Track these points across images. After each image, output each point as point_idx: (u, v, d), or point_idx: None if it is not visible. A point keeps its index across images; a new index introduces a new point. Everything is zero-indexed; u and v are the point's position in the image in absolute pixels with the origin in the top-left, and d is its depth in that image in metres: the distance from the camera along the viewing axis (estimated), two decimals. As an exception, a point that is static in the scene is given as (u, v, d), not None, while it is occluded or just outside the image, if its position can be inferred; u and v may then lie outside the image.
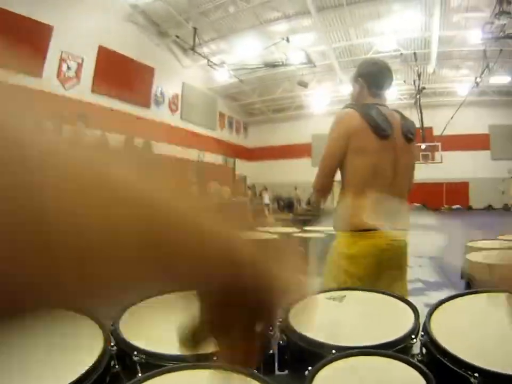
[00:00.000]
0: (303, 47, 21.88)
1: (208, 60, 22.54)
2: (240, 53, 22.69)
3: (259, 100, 30.57)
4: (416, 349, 1.75)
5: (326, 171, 2.66)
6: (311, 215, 15.82)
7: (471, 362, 1.43)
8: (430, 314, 1.86)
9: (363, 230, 2.53)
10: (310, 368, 1.50)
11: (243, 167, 31.46)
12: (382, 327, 1.92)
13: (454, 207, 28.57)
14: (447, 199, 28.82)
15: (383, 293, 2.32)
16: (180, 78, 25.10)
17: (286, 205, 25.92)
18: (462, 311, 1.97)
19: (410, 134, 2.75)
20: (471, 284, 3.49)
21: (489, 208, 28.43)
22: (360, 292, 2.40)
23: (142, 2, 19.58)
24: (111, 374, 1.58)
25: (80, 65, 18.68)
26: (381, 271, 2.59)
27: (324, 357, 1.58)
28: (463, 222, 19.60)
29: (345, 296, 2.29)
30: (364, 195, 2.53)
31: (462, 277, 3.75)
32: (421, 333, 1.76)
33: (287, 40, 20.61)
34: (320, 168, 2.69)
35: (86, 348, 1.58)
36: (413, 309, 2.01)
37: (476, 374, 1.38)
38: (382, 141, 2.55)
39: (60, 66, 17.85)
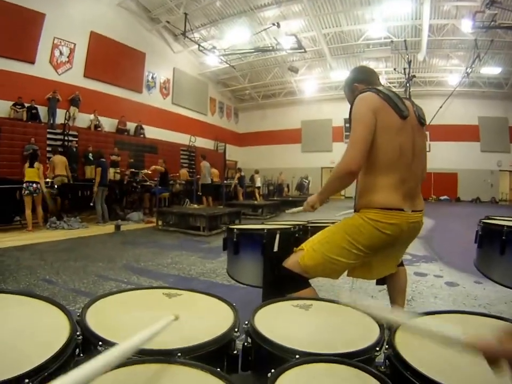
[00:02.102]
0: (294, 32, 21.83)
1: (199, 45, 22.41)
2: (231, 39, 22.74)
3: (250, 86, 30.62)
4: (379, 361, 1.79)
5: (364, 149, 2.50)
6: (302, 200, 16.00)
7: (433, 378, 1.45)
8: (395, 329, 1.91)
9: (386, 208, 2.52)
10: (273, 370, 1.52)
11: (233, 152, 31.79)
12: (347, 336, 1.93)
13: (442, 198, 28.63)
14: (435, 189, 28.72)
15: (349, 306, 2.24)
16: (171, 63, 25.25)
17: (275, 190, 26.05)
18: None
19: (423, 118, 2.80)
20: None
21: (477, 200, 28.45)
22: (327, 302, 2.42)
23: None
24: (76, 361, 1.59)
25: (72, 51, 18.84)
26: (392, 247, 2.68)
27: (287, 361, 1.60)
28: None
29: (311, 305, 2.34)
30: (388, 174, 2.55)
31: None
32: (385, 345, 1.80)
33: (278, 25, 20.45)
34: (357, 148, 2.50)
35: (52, 335, 1.60)
36: (378, 324, 2.04)
37: None
38: (402, 121, 2.57)
39: (52, 52, 18.00)
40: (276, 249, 3.47)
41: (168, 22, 22.38)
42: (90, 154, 17.02)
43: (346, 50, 24.62)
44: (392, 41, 21.50)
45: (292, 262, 2.77)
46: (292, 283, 2.67)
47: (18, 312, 1.83)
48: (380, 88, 2.68)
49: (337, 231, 2.70)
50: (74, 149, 17.28)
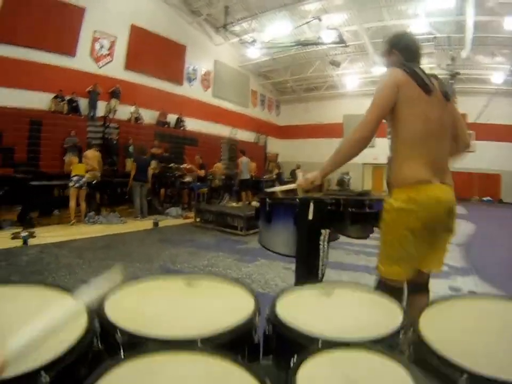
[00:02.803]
0: (336, 26, 21.36)
1: (240, 38, 22.39)
2: (272, 32, 22.31)
3: (291, 79, 30.05)
4: (403, 347, 1.73)
5: (379, 115, 2.62)
6: (343, 195, 15.70)
7: (459, 363, 1.43)
8: (419, 313, 1.89)
9: (417, 183, 2.55)
10: (295, 357, 1.49)
11: (274, 145, 31.57)
12: (370, 322, 1.91)
13: (485, 199, 27.54)
14: (478, 190, 27.65)
15: (372, 291, 2.38)
16: (212, 56, 24.98)
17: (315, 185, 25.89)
18: (454, 313, 1.99)
19: (448, 93, 2.77)
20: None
21: (521, 203, 27.20)
22: (351, 287, 2.42)
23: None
24: (94, 352, 1.59)
25: (113, 44, 18.91)
26: (436, 226, 2.62)
27: (310, 348, 1.57)
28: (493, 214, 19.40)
29: (333, 290, 2.30)
30: (416, 148, 2.58)
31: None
32: (409, 330, 1.76)
33: (319, 19, 20.23)
34: (373, 113, 2.62)
35: (69, 326, 1.52)
36: (401, 308, 2.03)
37: (464, 376, 1.38)
38: (427, 96, 2.60)
39: (93, 45, 18.11)
40: (310, 217, 3.44)
41: (208, 14, 22.30)
42: (130, 147, 17.05)
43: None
44: (435, 37, 20.94)
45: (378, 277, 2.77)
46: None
47: (35, 303, 1.80)
48: (408, 64, 2.71)
49: (386, 229, 2.71)
50: (115, 142, 17.38)
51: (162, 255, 7.67)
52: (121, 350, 1.57)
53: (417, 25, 20.46)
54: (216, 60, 25.43)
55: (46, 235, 9.35)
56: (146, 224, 11.39)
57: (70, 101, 16.89)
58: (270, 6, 20.96)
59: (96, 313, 1.76)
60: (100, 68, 18.43)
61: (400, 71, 2.63)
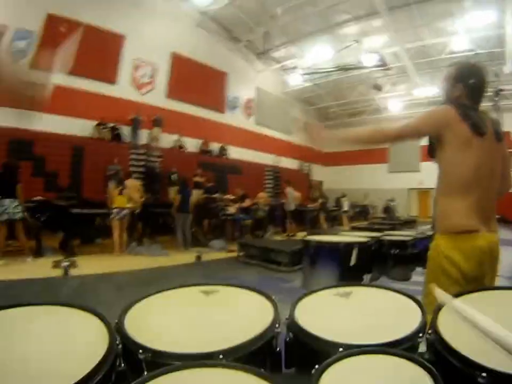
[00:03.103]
0: (376, 49, 21.31)
1: (281, 64, 22.44)
2: (313, 57, 22.30)
3: (334, 104, 29.91)
4: (423, 347, 1.71)
5: (402, 138, 2.66)
6: (388, 224, 15.38)
7: (478, 361, 1.40)
8: (437, 312, 1.83)
9: (463, 232, 2.46)
10: (316, 366, 1.46)
11: (319, 172, 31.36)
12: (389, 324, 1.87)
13: None
14: None
15: (390, 290, 2.31)
16: (253, 82, 24.99)
17: (360, 212, 25.50)
18: (473, 308, 1.82)
19: (500, 133, 2.66)
20: None
21: None
22: (366, 288, 2.48)
23: (212, 9, 19.75)
24: (117, 372, 1.52)
25: (154, 72, 19.19)
26: (479, 274, 2.50)
27: (331, 355, 1.55)
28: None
29: (351, 292, 2.29)
30: (464, 194, 2.48)
31: None
32: (428, 331, 1.73)
33: (359, 42, 20.26)
34: (396, 133, 2.63)
35: (91, 346, 1.54)
36: (419, 306, 2.00)
37: (484, 374, 1.36)
38: (479, 139, 2.47)
39: (133, 73, 18.46)
40: (353, 262, 3.44)
41: (248, 41, 22.36)
42: (173, 175, 16.95)
43: (430, 65, 23.40)
44: (476, 54, 20.38)
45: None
46: None
47: (55, 324, 1.78)
48: (464, 103, 2.62)
49: (430, 273, 2.68)
50: (157, 170, 17.42)
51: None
52: (145, 369, 1.54)
53: (457, 42, 20.22)
54: (258, 87, 25.41)
55: (87, 265, 9.33)
56: (189, 257, 11.11)
57: (113, 129, 17.11)
58: (308, 30, 20.85)
59: (117, 331, 1.72)
60: (142, 95, 18.67)
61: (453, 111, 2.51)
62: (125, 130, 17.64)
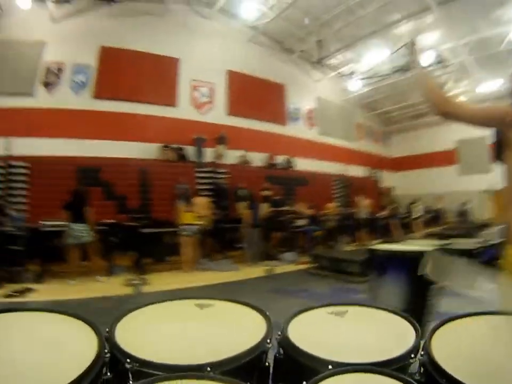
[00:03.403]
0: (432, 46, 20.44)
1: (338, 71, 22.27)
2: (369, 61, 22.05)
3: (396, 107, 28.93)
4: (414, 368, 1.73)
5: (470, 118, 2.40)
6: (462, 229, 14.95)
7: None
8: (432, 333, 1.88)
9: None
10: (304, 383, 1.50)
11: (388, 179, 30.34)
12: (382, 344, 1.90)
13: None
14: None
15: (386, 310, 2.35)
16: (312, 92, 24.70)
17: (434, 217, 24.66)
18: (467, 332, 1.96)
19: None
20: None
21: None
22: (363, 307, 2.44)
23: (260, 23, 19.90)
24: (102, 381, 1.59)
25: (212, 91, 19.52)
26: None
27: (320, 372, 1.57)
28: None
29: (347, 311, 2.33)
30: None
31: None
32: (421, 352, 1.75)
33: (413, 41, 19.33)
34: (472, 114, 2.39)
35: (79, 354, 1.60)
36: (414, 328, 2.02)
37: None
38: None
39: (192, 94, 18.89)
40: (426, 271, 3.32)
41: (302, 51, 22.24)
42: (240, 190, 16.90)
43: (490, 58, 21.88)
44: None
45: None
46: None
47: (47, 330, 1.85)
48: None
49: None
50: (225, 186, 17.53)
51: (275, 308, 7.27)
52: (130, 378, 1.60)
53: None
54: (318, 96, 25.05)
55: (159, 282, 9.67)
56: (259, 271, 11.22)
57: (177, 149, 17.48)
58: (361, 34, 20.45)
59: (107, 340, 1.78)
60: (203, 115, 19.02)
61: None
62: (190, 150, 17.97)
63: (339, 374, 1.55)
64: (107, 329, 1.89)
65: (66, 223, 9.90)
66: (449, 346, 1.74)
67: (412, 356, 1.74)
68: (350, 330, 2.13)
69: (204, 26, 19.22)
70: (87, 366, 1.49)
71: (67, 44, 16.52)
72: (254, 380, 1.78)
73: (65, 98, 16.46)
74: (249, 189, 15.75)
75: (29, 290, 9.09)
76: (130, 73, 17.14)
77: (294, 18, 19.49)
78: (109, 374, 1.65)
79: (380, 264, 3.74)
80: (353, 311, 2.35)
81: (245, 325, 2.12)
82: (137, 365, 1.61)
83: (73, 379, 1.38)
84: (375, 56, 21.43)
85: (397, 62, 21.27)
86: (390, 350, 1.76)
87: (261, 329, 1.98)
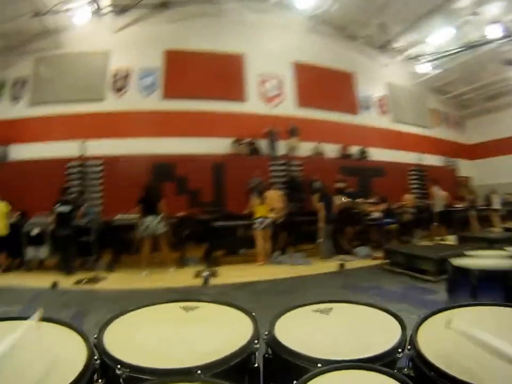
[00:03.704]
0: (497, 17, 18.86)
1: (405, 54, 21.49)
2: (434, 40, 20.99)
3: (469, 89, 26.48)
4: (403, 362, 1.75)
5: None
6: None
7: (457, 376, 1.44)
8: (417, 327, 1.91)
9: None
10: (295, 382, 1.50)
11: (466, 167, 27.86)
12: (368, 340, 1.91)
13: None
14: None
15: (371, 306, 2.38)
16: (382, 78, 23.77)
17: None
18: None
19: None
20: None
21: None
22: (348, 304, 2.47)
23: (319, 12, 19.65)
24: None
25: (280, 84, 19.56)
26: None
27: (310, 370, 1.58)
28: None
29: (331, 308, 2.35)
30: None
31: None
32: (407, 346, 1.78)
33: (475, 14, 18.49)
34: None
35: (69, 361, 1.61)
36: (400, 322, 2.06)
37: None
38: None
39: (260, 88, 19.08)
40: None
41: (365, 36, 21.57)
42: (314, 183, 16.67)
43: None
44: None
45: None
46: None
47: (34, 340, 1.82)
48: None
49: None
50: (298, 179, 17.48)
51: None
52: None
53: None
54: (388, 82, 24.05)
55: (229, 274, 9.80)
56: (331, 265, 10.93)
57: (250, 144, 17.71)
58: (422, 12, 19.19)
59: (96, 346, 1.81)
60: (273, 108, 19.12)
61: None
62: (262, 144, 18.17)
63: (329, 371, 1.56)
64: (95, 336, 1.90)
65: (139, 216, 10.43)
66: (435, 339, 1.76)
67: (399, 350, 1.77)
68: (337, 327, 2.14)
69: (262, 21, 19.39)
70: (77, 374, 1.50)
71: (131, 50, 17.88)
72: (244, 381, 1.80)
73: (135, 100, 17.61)
74: (322, 181, 15.55)
75: (99, 278, 9.82)
76: (197, 73, 17.71)
77: (353, 2, 19.05)
78: (100, 380, 1.67)
79: (472, 286, 3.34)
80: (338, 308, 2.39)
81: (231, 327, 2.13)
82: (128, 370, 1.62)
83: None
84: (440, 35, 20.45)
85: (464, 38, 20.34)
86: (377, 345, 1.79)
87: (247, 330, 2.00)
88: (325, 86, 20.36)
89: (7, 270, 10.98)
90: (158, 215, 10.48)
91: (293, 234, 12.98)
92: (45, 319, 2.01)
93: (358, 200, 14.76)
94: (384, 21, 20.00)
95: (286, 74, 19.73)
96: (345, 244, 13.22)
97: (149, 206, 10.49)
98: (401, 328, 1.97)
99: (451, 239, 13.71)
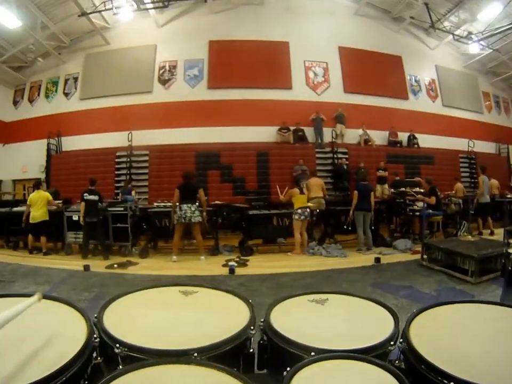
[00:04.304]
0: None
1: (453, 35, 20.28)
2: (483, 17, 19.60)
3: None
4: (394, 355, 1.79)
5: None
6: None
7: (446, 370, 1.47)
8: (410, 321, 1.93)
9: None
10: (288, 369, 1.53)
11: None
12: (362, 331, 1.96)
13: None
14: None
15: (366, 299, 2.41)
16: (431, 61, 22.66)
17: None
18: (443, 319, 2.03)
19: None
20: None
21: None
22: (343, 295, 2.50)
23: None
24: (93, 365, 1.67)
25: (326, 70, 19.40)
26: None
27: (303, 358, 1.63)
28: None
29: (327, 299, 2.37)
30: None
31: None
32: (399, 339, 1.81)
33: None
34: None
35: (70, 339, 1.67)
36: (393, 315, 2.09)
37: (451, 383, 1.43)
38: None
39: (306, 75, 19.01)
40: None
41: (412, 17, 20.50)
42: (361, 170, 15.98)
43: None
44: None
45: None
46: None
47: (36, 316, 1.87)
48: None
49: None
50: (345, 166, 17.30)
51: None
52: (120, 363, 1.65)
53: None
54: (437, 65, 22.90)
55: (259, 265, 9.65)
56: (367, 258, 10.17)
57: (295, 131, 17.73)
58: None
59: (96, 326, 1.87)
60: (319, 95, 19.06)
61: None
62: (309, 131, 18.08)
63: (321, 360, 1.59)
64: (95, 315, 1.96)
65: (176, 203, 10.38)
66: (427, 333, 1.80)
67: (391, 343, 1.79)
68: (331, 317, 2.18)
69: (306, 7, 19.27)
70: (77, 350, 1.56)
71: (176, 43, 18.48)
72: (239, 365, 1.83)
73: (181, 91, 18.11)
74: (369, 169, 15.51)
75: (130, 263, 10.09)
76: (242, 62, 17.97)
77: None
78: (99, 358, 1.71)
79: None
80: (334, 299, 2.41)
81: (229, 312, 2.18)
82: (126, 350, 1.67)
83: (64, 363, 1.45)
84: (489, 12, 19.13)
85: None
86: (370, 337, 1.82)
87: (244, 316, 2.04)
88: (371, 70, 19.89)
89: (47, 253, 11.40)
90: (194, 203, 10.36)
91: (331, 224, 12.44)
92: (48, 297, 2.09)
93: (404, 189, 13.62)
94: (430, 1, 19.14)
95: (331, 60, 19.52)
96: (387, 236, 12.72)
97: (185, 193, 10.41)
98: (394, 322, 2.00)
99: (499, 233, 12.64)
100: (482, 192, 14.06)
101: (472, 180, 20.78)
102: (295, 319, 2.14)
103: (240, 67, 17.88)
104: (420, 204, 12.50)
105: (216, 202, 12.34)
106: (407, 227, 13.26)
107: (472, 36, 20.46)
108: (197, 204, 10.35)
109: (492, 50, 21.81)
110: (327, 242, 11.91)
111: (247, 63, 17.93)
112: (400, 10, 20.73)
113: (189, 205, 10.24)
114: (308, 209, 11.06)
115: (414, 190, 13.20)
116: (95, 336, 1.75)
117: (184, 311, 2.20)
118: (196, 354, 1.61)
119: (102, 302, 2.17)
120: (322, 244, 11.62)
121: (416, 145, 20.30)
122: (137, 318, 2.04)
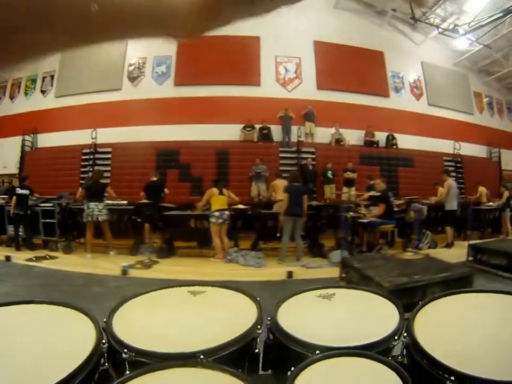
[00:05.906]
0: None
1: (438, 27, 19.21)
2: (471, 9, 18.41)
3: None
4: (398, 349, 1.87)
5: None
6: None
7: (448, 365, 1.53)
8: (413, 316, 1.98)
9: None
10: (292, 369, 1.59)
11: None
12: (367, 326, 2.04)
13: None
14: None
15: (373, 292, 2.47)
16: (416, 57, 21.40)
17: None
18: (447, 313, 2.07)
19: None
20: None
21: None
22: (350, 290, 2.60)
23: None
24: (101, 371, 1.70)
25: (298, 65, 18.86)
26: None
27: (307, 357, 1.70)
28: None
29: (334, 294, 2.42)
30: None
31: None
32: (403, 334, 1.88)
33: None
34: None
35: (78, 345, 1.71)
36: (398, 309, 2.14)
37: (452, 378, 1.48)
38: None
39: (277, 71, 18.59)
40: None
41: (394, 10, 19.50)
42: (329, 172, 16.18)
43: None
44: None
45: None
46: None
47: (46, 322, 1.97)
48: None
49: None
50: (310, 167, 16.49)
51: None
52: (127, 368, 1.70)
53: None
54: (423, 61, 21.67)
55: (164, 269, 9.42)
56: (281, 272, 8.94)
57: (261, 129, 17.31)
58: None
59: (104, 330, 1.90)
60: (290, 91, 18.59)
61: None
62: (276, 130, 17.68)
63: (325, 358, 1.66)
64: (105, 320, 1.98)
65: (83, 201, 10.84)
66: (431, 327, 1.86)
67: (395, 338, 1.87)
68: (337, 313, 2.25)
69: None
70: (85, 357, 1.59)
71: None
72: (244, 366, 1.89)
73: (149, 89, 18.17)
74: (337, 170, 15.40)
75: (50, 257, 10.45)
76: (210, 58, 17.60)
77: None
78: (106, 364, 1.76)
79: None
80: (341, 294, 2.45)
81: (236, 311, 2.21)
82: (134, 354, 1.71)
83: (72, 370, 1.48)
84: (476, 2, 18.06)
85: (504, 4, 17.27)
86: (375, 332, 1.89)
87: (252, 315, 2.08)
88: (349, 66, 19.09)
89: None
90: (102, 201, 10.67)
91: (257, 229, 11.49)
92: (57, 303, 2.12)
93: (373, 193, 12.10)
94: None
95: (305, 55, 18.97)
96: (319, 246, 11.41)
97: (93, 192, 10.71)
98: (399, 315, 2.06)
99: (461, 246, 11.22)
100: (451, 197, 12.57)
101: (458, 185, 19.57)
102: (301, 317, 2.20)
103: (208, 64, 17.60)
104: (363, 210, 11.48)
105: (142, 201, 11.90)
106: (352, 237, 11.37)
107: (459, 29, 19.06)
108: (103, 202, 10.69)
109: (481, 46, 20.60)
110: (256, 250, 10.92)
111: (215, 59, 17.60)
112: (382, 2, 19.77)
113: (96, 203, 10.47)
114: (227, 212, 10.27)
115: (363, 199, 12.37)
116: (103, 341, 1.79)
117: (192, 312, 2.24)
118: (202, 356, 1.66)
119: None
120: (254, 249, 10.91)
121: (394, 146, 19.32)
122: (146, 321, 2.09)
